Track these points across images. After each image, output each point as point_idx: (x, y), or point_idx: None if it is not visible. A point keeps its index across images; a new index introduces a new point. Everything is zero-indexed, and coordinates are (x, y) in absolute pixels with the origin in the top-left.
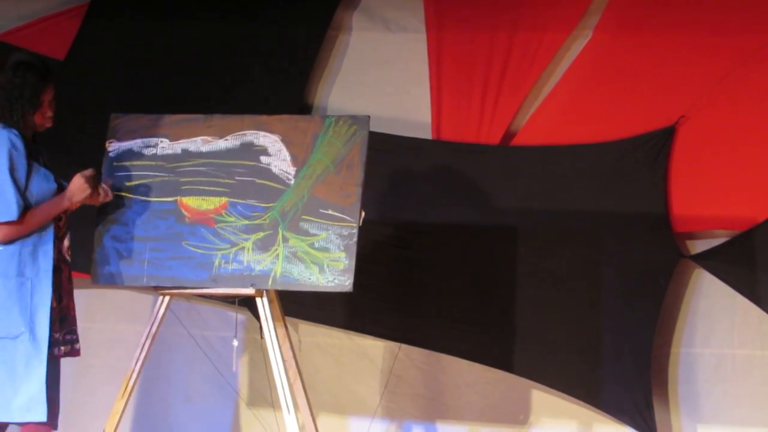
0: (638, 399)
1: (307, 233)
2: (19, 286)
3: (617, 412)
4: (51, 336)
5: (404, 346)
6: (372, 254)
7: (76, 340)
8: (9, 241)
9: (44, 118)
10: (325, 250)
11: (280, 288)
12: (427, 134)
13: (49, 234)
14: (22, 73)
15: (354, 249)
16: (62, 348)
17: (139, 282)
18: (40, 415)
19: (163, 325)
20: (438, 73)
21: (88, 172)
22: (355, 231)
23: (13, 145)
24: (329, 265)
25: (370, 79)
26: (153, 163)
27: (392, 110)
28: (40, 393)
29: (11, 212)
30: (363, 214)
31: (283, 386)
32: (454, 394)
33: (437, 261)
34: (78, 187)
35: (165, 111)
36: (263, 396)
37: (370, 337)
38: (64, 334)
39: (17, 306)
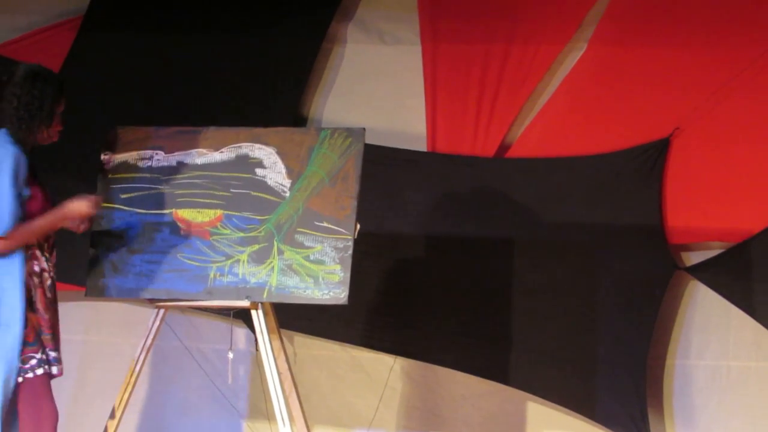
0: (633, 411)
1: (302, 246)
2: None
3: (612, 424)
4: (49, 356)
5: (399, 358)
6: (366, 266)
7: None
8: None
9: (53, 133)
10: (321, 262)
11: (275, 300)
12: (422, 146)
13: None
14: (41, 86)
15: (349, 262)
16: (60, 366)
17: (134, 294)
18: None
19: (158, 338)
20: (433, 85)
21: (94, 199)
22: (351, 243)
23: (17, 165)
24: (324, 277)
25: (365, 91)
26: (148, 175)
27: (387, 122)
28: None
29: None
30: (358, 226)
31: (278, 398)
32: (449, 406)
33: (432, 273)
34: (78, 210)
35: (160, 123)
36: (258, 408)
37: (366, 349)
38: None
39: None
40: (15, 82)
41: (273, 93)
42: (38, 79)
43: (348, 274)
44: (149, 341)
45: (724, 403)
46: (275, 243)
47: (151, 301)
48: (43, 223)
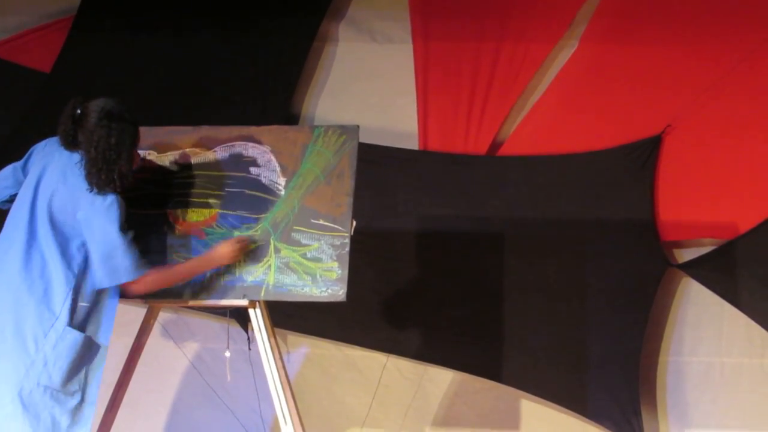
0: (626, 407)
1: (299, 243)
2: (90, 347)
3: (605, 421)
4: None
5: (392, 356)
6: (359, 265)
7: None
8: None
9: (129, 170)
10: (318, 260)
11: (272, 299)
12: (414, 144)
13: (116, 299)
14: (117, 132)
15: (346, 258)
16: None
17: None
18: None
19: (151, 337)
20: (424, 83)
21: (245, 241)
22: (347, 241)
23: (122, 210)
24: (322, 275)
25: (356, 89)
26: (141, 175)
27: (379, 121)
28: None
29: (124, 276)
30: (354, 223)
31: (279, 397)
32: (442, 404)
33: (424, 271)
34: (229, 254)
35: (152, 123)
36: (251, 407)
37: (359, 347)
38: None
39: (82, 364)
40: (90, 128)
41: (264, 92)
42: (114, 125)
43: (346, 271)
44: (142, 340)
45: (717, 400)
46: (272, 241)
47: (145, 300)
48: (190, 268)
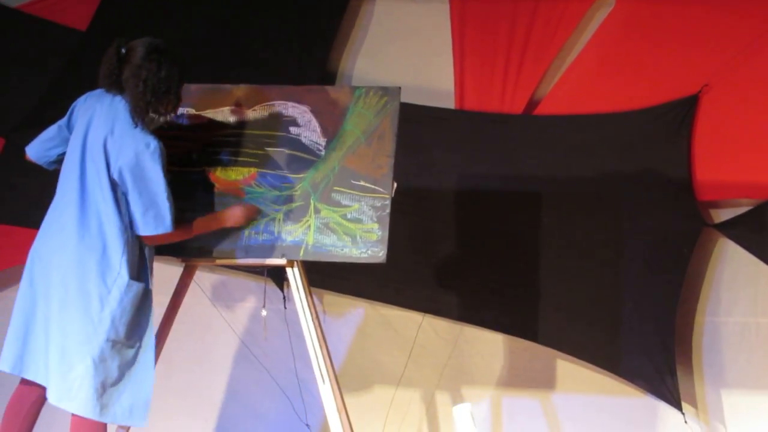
0: (662, 367)
1: (339, 204)
2: (145, 295)
3: (641, 381)
4: None
5: (428, 316)
6: (395, 224)
7: None
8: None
9: (175, 108)
10: (358, 221)
11: (311, 259)
12: (450, 103)
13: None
14: (167, 67)
15: (387, 220)
16: None
17: (167, 252)
18: (141, 419)
19: (187, 296)
20: (461, 42)
21: (254, 211)
22: (388, 202)
23: (164, 156)
24: (362, 236)
25: (393, 48)
26: (179, 132)
27: (415, 79)
28: (148, 399)
29: (166, 225)
30: (395, 185)
31: (316, 356)
32: (477, 363)
33: (460, 231)
34: (236, 218)
35: (188, 81)
36: (286, 365)
37: (394, 307)
38: None
39: (141, 313)
40: (137, 62)
41: (301, 49)
42: (163, 60)
43: (386, 233)
44: (179, 299)
45: (753, 359)
46: (312, 201)
47: (183, 259)
48: (204, 226)
